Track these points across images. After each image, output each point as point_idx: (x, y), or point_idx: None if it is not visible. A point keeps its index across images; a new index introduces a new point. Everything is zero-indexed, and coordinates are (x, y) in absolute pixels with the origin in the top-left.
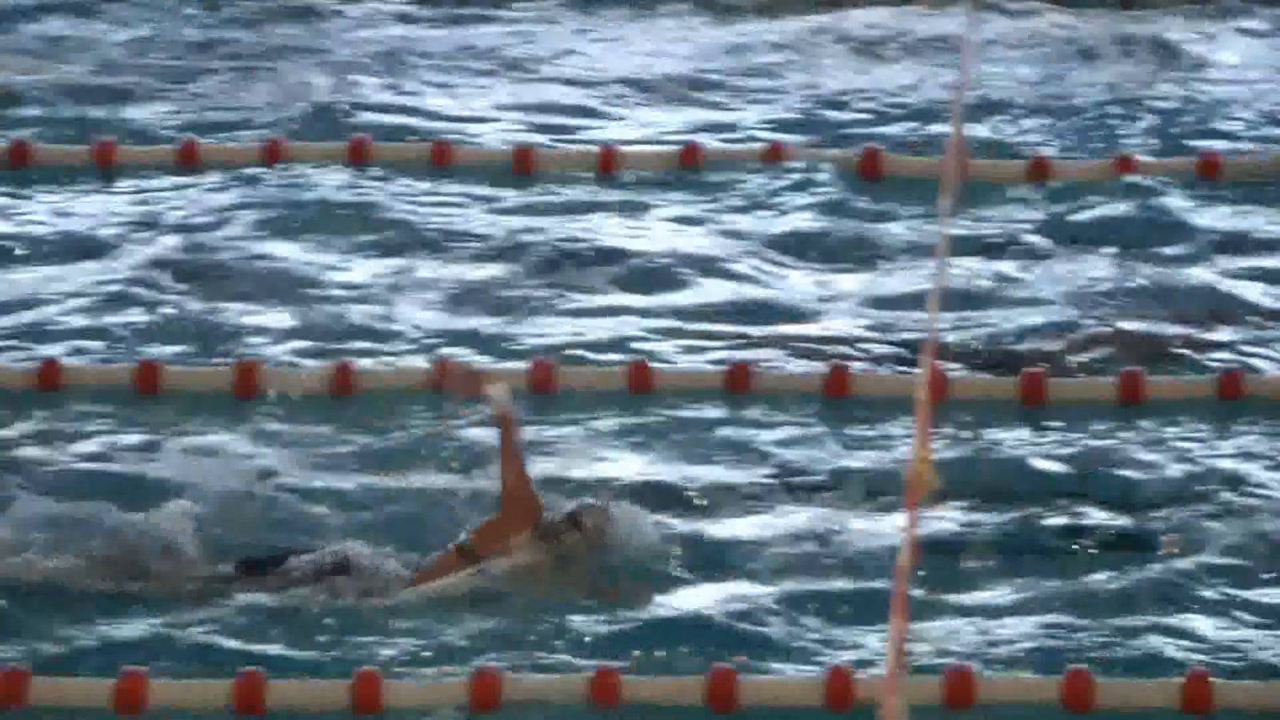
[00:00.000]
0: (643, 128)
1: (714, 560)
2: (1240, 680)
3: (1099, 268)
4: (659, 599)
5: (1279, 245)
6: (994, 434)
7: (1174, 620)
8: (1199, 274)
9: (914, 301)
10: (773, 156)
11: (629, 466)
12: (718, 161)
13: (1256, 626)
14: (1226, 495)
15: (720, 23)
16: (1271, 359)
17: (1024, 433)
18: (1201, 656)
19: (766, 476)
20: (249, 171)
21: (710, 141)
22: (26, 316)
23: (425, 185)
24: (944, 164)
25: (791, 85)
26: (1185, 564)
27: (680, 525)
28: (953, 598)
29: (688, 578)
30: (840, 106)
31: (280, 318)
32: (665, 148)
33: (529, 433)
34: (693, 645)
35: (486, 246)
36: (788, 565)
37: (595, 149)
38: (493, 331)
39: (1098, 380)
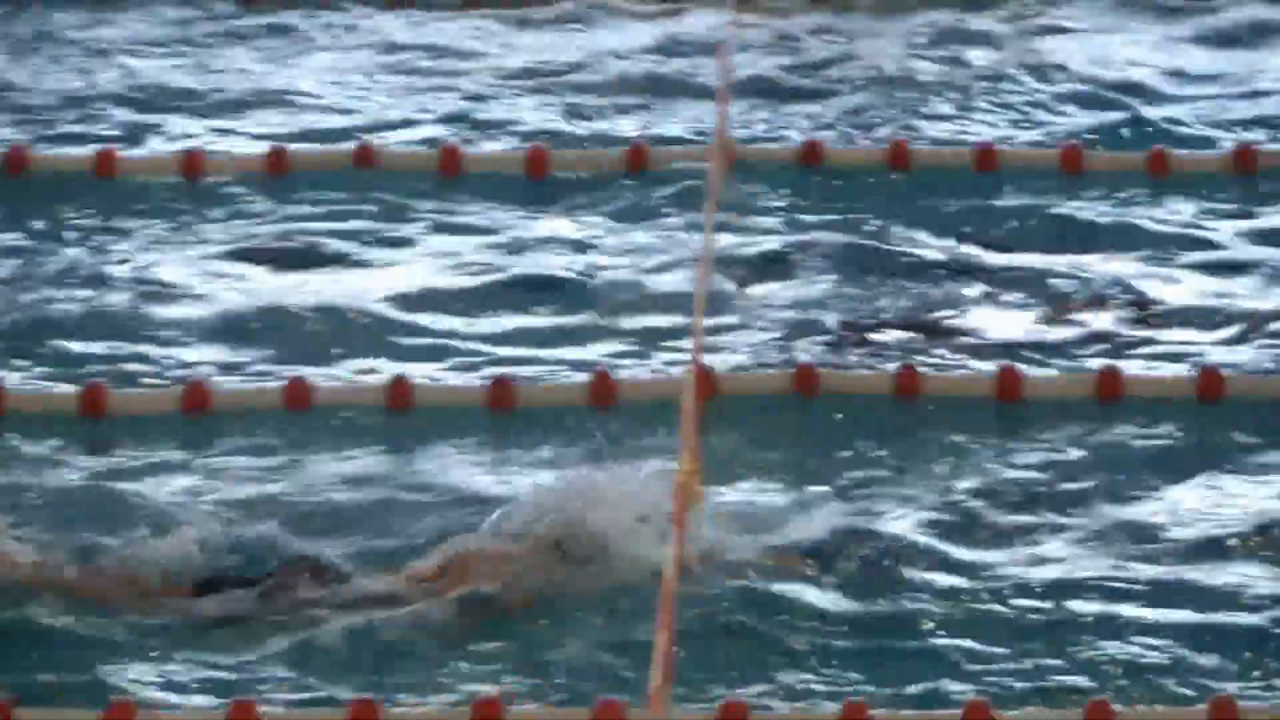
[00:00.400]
0: (319, 127)
1: None
2: (1019, 708)
3: (874, 258)
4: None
5: (1064, 237)
6: (770, 433)
7: (957, 646)
8: (981, 262)
9: (683, 300)
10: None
11: (389, 485)
12: (393, 163)
13: (1036, 642)
14: (1003, 496)
15: (421, 14)
16: (1051, 357)
17: (802, 429)
18: (983, 684)
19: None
20: None
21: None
22: None
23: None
24: (709, 154)
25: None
26: (953, 582)
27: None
28: (727, 619)
29: (450, 604)
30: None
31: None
32: (338, 149)
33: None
34: (451, 675)
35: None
36: (556, 584)
37: (263, 151)
38: (244, 354)
39: (875, 372)
